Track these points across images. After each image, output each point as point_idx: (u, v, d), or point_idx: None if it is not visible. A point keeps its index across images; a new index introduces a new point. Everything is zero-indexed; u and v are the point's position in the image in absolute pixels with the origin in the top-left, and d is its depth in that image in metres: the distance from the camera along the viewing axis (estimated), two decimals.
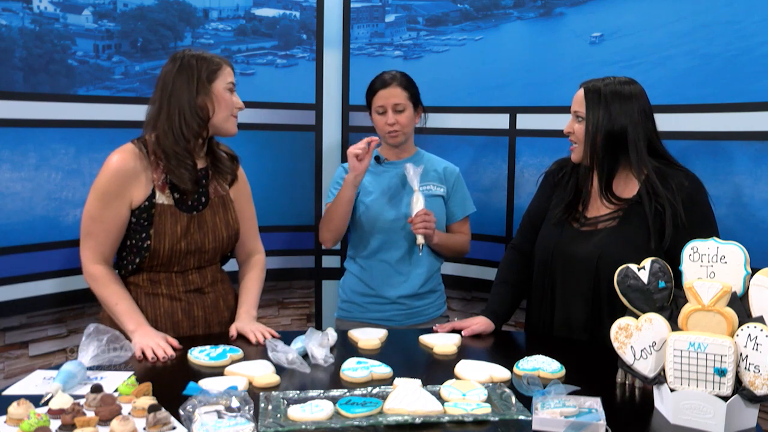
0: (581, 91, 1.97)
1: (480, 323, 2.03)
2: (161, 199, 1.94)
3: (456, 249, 2.47)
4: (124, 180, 1.90)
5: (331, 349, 1.82)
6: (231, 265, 2.18)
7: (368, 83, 2.43)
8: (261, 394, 1.49)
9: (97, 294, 1.95)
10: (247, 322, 1.98)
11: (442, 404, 1.43)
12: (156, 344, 1.79)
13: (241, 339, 1.93)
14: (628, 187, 1.97)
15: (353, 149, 2.23)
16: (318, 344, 1.75)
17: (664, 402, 1.44)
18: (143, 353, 1.76)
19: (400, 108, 2.35)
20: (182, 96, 1.91)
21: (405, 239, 2.36)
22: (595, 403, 1.40)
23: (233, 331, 1.96)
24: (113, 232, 1.93)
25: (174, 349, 1.81)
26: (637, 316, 1.49)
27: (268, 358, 1.72)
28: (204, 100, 1.93)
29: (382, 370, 1.65)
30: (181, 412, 1.36)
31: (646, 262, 1.54)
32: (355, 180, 2.27)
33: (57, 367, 1.60)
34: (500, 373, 1.65)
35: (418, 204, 2.28)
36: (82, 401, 1.43)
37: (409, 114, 2.37)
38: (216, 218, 2.02)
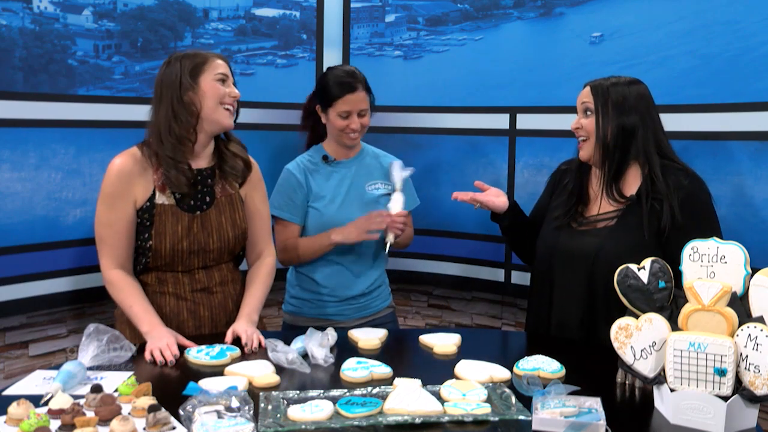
0: (587, 89, 1.98)
1: (497, 192, 2.16)
2: (161, 199, 1.94)
3: (405, 244, 2.47)
4: (126, 181, 1.92)
5: (331, 349, 1.82)
6: (244, 265, 2.17)
7: (336, 81, 2.28)
8: (261, 394, 1.49)
9: (115, 299, 1.95)
10: (243, 325, 1.94)
11: (442, 404, 1.43)
12: (165, 346, 1.76)
13: (239, 339, 1.92)
14: (632, 185, 1.97)
15: (374, 224, 2.18)
16: (318, 344, 1.75)
17: (664, 402, 1.44)
18: (153, 357, 1.75)
19: (364, 112, 2.32)
20: (168, 98, 1.92)
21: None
22: (595, 403, 1.40)
23: (229, 336, 1.90)
24: (123, 233, 1.93)
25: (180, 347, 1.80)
26: (637, 316, 1.49)
27: (268, 358, 1.72)
28: (191, 98, 1.92)
29: (382, 370, 1.65)
30: (181, 412, 1.36)
31: (646, 262, 1.54)
32: (342, 240, 2.24)
33: (57, 367, 1.60)
34: (500, 373, 1.65)
35: (398, 204, 2.26)
36: (82, 401, 1.43)
37: (368, 115, 2.34)
38: (222, 218, 2.01)
